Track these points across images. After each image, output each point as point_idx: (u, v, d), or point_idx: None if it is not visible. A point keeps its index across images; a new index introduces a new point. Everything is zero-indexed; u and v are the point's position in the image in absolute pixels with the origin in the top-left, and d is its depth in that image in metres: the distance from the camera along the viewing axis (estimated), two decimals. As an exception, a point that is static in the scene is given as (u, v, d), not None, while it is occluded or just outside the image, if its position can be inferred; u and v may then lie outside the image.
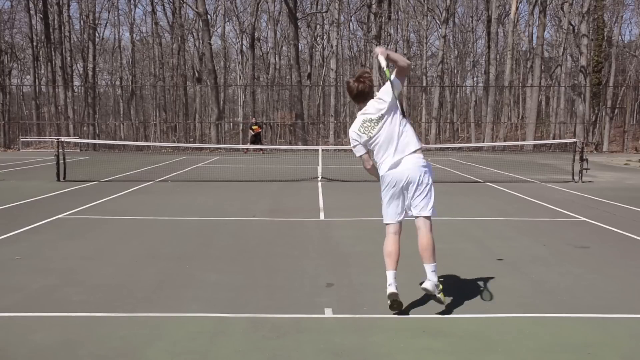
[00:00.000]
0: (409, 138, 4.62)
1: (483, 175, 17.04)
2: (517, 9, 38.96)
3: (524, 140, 37.60)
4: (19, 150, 33.50)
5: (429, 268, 4.67)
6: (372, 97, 4.65)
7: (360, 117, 4.68)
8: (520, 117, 48.13)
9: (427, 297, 5.21)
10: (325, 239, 7.82)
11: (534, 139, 35.59)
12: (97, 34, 47.49)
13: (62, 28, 41.60)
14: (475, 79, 55.42)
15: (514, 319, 4.63)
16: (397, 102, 4.55)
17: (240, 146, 31.33)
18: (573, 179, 15.17)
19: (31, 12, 42.66)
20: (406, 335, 4.26)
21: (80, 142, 31.73)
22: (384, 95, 4.57)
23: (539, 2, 36.89)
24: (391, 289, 4.57)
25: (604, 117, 36.87)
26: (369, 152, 4.74)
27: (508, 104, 43.80)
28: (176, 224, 8.91)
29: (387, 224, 4.96)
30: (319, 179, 15.45)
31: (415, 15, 46.69)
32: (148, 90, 48.45)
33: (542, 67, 39.04)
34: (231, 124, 49.24)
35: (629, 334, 4.33)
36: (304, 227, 8.67)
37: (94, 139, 37.23)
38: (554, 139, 37.65)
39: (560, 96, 45.01)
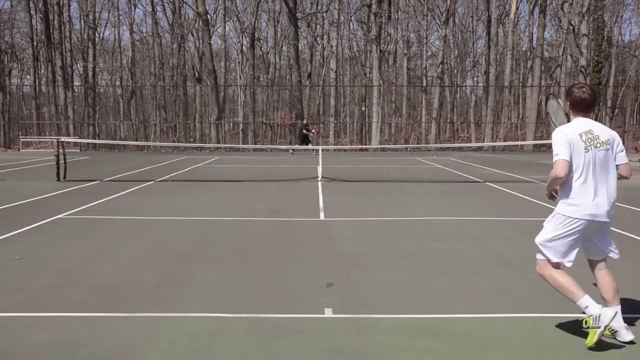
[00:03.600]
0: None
1: (483, 175, 17.04)
2: (517, 9, 38.97)
3: (524, 140, 37.59)
4: (19, 150, 33.50)
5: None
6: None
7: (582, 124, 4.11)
8: (520, 117, 48.12)
9: (427, 297, 5.22)
10: (325, 239, 7.82)
11: (534, 139, 35.57)
12: (97, 34, 47.51)
13: (62, 28, 41.60)
14: (475, 79, 55.44)
15: (514, 319, 4.63)
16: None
17: (241, 146, 31.30)
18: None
19: (31, 12, 42.66)
20: (406, 335, 4.26)
21: (80, 142, 31.74)
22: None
23: (539, 2, 36.88)
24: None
25: (604, 117, 36.88)
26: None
27: (508, 104, 43.81)
28: (176, 224, 8.91)
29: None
30: (319, 179, 15.45)
31: (415, 15, 46.66)
32: (148, 90, 48.45)
33: (542, 67, 39.04)
34: (231, 124, 49.23)
35: (629, 334, 4.32)
36: (304, 227, 8.67)
37: (94, 139, 37.23)
38: (554, 139, 37.58)
39: (560, 96, 44.96)
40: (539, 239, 4.34)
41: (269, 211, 10.16)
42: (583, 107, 4.12)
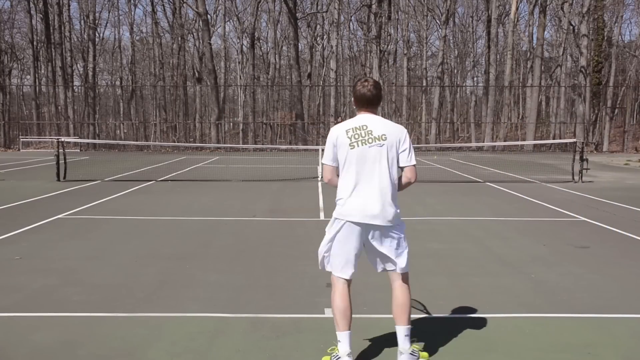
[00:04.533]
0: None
1: (483, 175, 17.03)
2: (517, 9, 38.97)
3: (524, 140, 37.60)
4: (19, 150, 33.50)
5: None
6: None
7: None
8: (520, 117, 48.12)
9: (427, 297, 5.21)
10: (325, 239, 7.81)
11: (534, 139, 35.59)
12: (97, 34, 47.50)
13: (62, 28, 41.59)
14: (475, 79, 55.44)
15: (514, 319, 4.63)
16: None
17: (241, 146, 31.21)
18: (573, 179, 15.17)
19: (31, 12, 42.66)
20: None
21: (80, 142, 31.74)
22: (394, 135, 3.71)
23: (539, 2, 36.88)
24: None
25: (604, 117, 36.87)
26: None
27: (508, 104, 43.80)
28: (176, 224, 8.91)
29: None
30: (319, 179, 15.45)
31: (415, 15, 46.67)
32: (148, 90, 48.44)
33: (542, 67, 39.03)
34: (231, 124, 49.23)
35: (629, 333, 4.33)
36: (304, 227, 8.67)
37: (94, 139, 37.23)
38: (554, 139, 37.65)
39: (560, 96, 45.00)
40: (319, 249, 3.83)
41: (269, 211, 10.16)
42: (364, 102, 3.74)
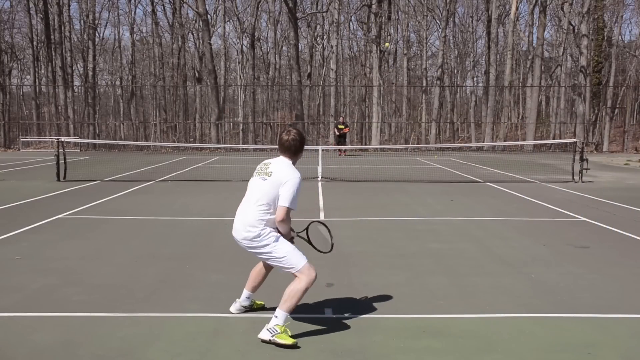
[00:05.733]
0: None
1: (483, 175, 17.04)
2: (517, 9, 38.96)
3: (524, 140, 37.60)
4: (19, 150, 33.50)
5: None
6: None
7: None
8: (520, 117, 48.12)
9: (427, 297, 5.22)
10: (325, 239, 7.81)
11: (534, 139, 35.58)
12: (97, 34, 47.50)
13: (62, 28, 41.58)
14: (475, 79, 55.43)
15: (514, 319, 4.63)
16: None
17: (241, 146, 31.16)
18: (573, 179, 15.17)
19: (31, 12, 42.66)
20: (406, 335, 4.26)
21: (80, 142, 31.74)
22: (279, 175, 4.28)
23: (539, 2, 36.88)
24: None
25: (604, 117, 36.87)
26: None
27: (508, 104, 43.81)
28: (176, 224, 8.90)
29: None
30: (319, 179, 15.45)
31: (415, 15, 46.66)
32: (148, 90, 48.43)
33: (542, 67, 39.03)
34: (231, 124, 49.21)
35: (629, 333, 4.33)
36: (304, 227, 8.65)
37: (94, 139, 37.23)
38: (554, 139, 37.65)
39: (560, 96, 45.01)
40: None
41: (269, 211, 10.15)
42: (279, 148, 4.40)
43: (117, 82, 51.27)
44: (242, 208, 4.42)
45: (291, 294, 4.16)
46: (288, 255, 4.23)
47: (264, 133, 42.72)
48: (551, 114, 47.55)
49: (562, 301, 5.10)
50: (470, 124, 46.89)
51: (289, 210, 4.23)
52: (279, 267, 4.31)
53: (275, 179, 4.23)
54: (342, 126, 27.19)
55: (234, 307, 4.72)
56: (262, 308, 4.78)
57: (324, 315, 4.72)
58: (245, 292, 4.72)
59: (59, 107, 39.99)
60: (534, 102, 36.99)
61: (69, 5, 42.88)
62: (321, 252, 4.65)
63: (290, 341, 4.02)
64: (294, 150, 4.37)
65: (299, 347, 4.01)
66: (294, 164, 4.41)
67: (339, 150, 25.47)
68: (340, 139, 26.96)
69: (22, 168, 19.62)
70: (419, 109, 49.17)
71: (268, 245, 4.24)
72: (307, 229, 4.72)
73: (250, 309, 4.74)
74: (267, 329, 4.08)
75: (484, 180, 15.58)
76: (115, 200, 11.38)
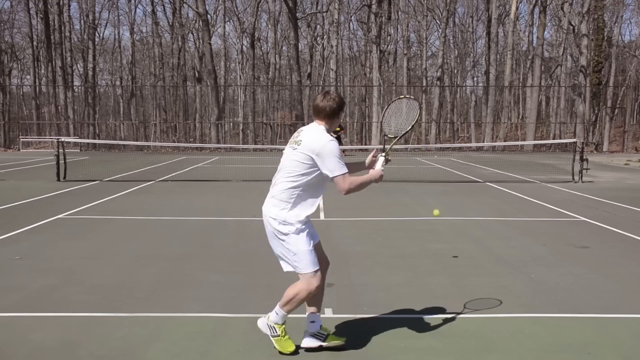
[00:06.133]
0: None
1: (483, 175, 17.03)
2: (517, 9, 38.97)
3: (524, 140, 37.60)
4: (19, 150, 33.51)
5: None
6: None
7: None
8: (520, 117, 48.13)
9: (427, 297, 5.21)
10: (325, 239, 7.76)
11: (534, 139, 35.59)
12: (97, 34, 47.51)
13: (62, 28, 41.59)
14: (475, 79, 55.46)
15: (514, 319, 4.63)
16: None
17: (241, 146, 31.12)
18: (573, 179, 15.17)
19: (31, 12, 42.66)
20: (406, 335, 4.26)
21: (80, 142, 31.74)
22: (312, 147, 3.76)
23: (539, 2, 36.88)
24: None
25: (604, 117, 36.87)
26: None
27: (508, 104, 43.81)
28: (176, 224, 8.90)
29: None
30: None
31: (415, 15, 46.66)
32: (148, 90, 48.45)
33: (542, 67, 39.03)
34: (231, 124, 49.22)
35: (629, 333, 4.33)
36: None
37: (94, 139, 37.23)
38: (554, 139, 37.65)
39: (560, 96, 45.01)
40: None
41: (269, 211, 10.14)
42: (313, 111, 3.93)
43: (117, 82, 51.27)
44: (273, 180, 3.93)
45: (290, 297, 3.93)
46: (299, 254, 3.81)
47: (264, 133, 42.72)
48: (551, 114, 47.55)
49: (562, 301, 5.10)
50: (470, 124, 46.90)
51: (343, 176, 3.74)
52: (284, 262, 3.92)
53: (304, 148, 3.73)
54: (337, 128, 27.01)
55: (304, 341, 4.03)
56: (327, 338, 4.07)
57: (324, 315, 4.71)
58: (310, 316, 4.03)
59: (59, 107, 39.99)
60: (534, 102, 36.99)
61: (69, 5, 42.89)
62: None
63: (288, 350, 3.89)
64: (328, 113, 3.83)
65: (297, 353, 3.94)
66: (328, 130, 3.86)
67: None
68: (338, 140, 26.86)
69: (22, 168, 19.62)
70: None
71: (288, 234, 3.78)
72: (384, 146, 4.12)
73: (324, 339, 4.01)
74: (268, 325, 3.94)
75: (484, 180, 15.58)
76: (115, 200, 11.38)
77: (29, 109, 45.71)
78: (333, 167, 3.71)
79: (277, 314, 3.97)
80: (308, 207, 3.83)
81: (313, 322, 4.01)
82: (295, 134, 3.92)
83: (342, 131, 27.94)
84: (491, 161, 23.58)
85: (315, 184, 3.82)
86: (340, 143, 26.59)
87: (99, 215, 9.65)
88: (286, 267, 3.96)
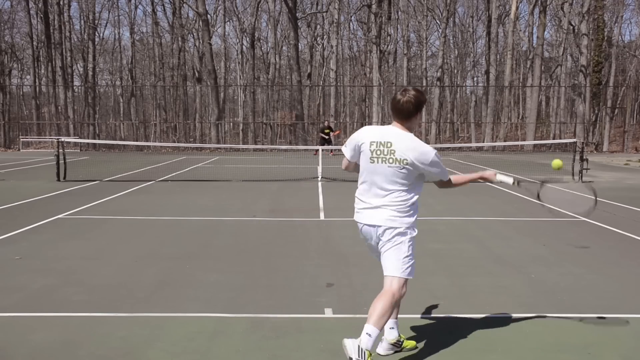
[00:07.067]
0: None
1: (483, 175, 17.01)
2: (517, 9, 38.96)
3: (524, 140, 37.60)
4: (19, 150, 33.50)
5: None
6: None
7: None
8: (520, 117, 48.13)
9: (427, 297, 5.21)
10: (325, 239, 7.82)
11: (534, 139, 35.59)
12: (97, 34, 47.50)
13: (63, 28, 41.59)
14: (475, 79, 55.45)
15: (514, 319, 4.63)
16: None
17: (241, 146, 31.11)
18: (573, 178, 15.17)
19: (31, 12, 42.65)
20: (406, 335, 4.26)
21: (80, 142, 31.74)
22: (418, 157, 3.62)
23: (539, 2, 36.88)
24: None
25: (604, 117, 36.86)
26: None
27: (508, 104, 43.79)
28: (176, 224, 8.90)
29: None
30: (319, 179, 15.45)
31: (415, 15, 46.67)
32: (148, 90, 48.44)
33: (542, 67, 39.03)
34: (231, 124, 49.22)
35: (629, 333, 4.33)
36: (304, 227, 8.67)
37: (94, 139, 37.23)
38: (554, 139, 37.65)
39: (560, 96, 45.01)
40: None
41: (269, 211, 10.16)
42: (394, 111, 3.70)
43: (117, 82, 51.27)
44: (371, 197, 3.74)
45: (386, 308, 3.68)
46: (411, 256, 3.74)
47: (264, 133, 42.71)
48: (551, 114, 47.55)
49: (562, 301, 5.10)
50: (470, 124, 46.89)
51: (449, 181, 3.84)
52: (391, 262, 3.74)
53: (408, 164, 3.59)
54: (328, 130, 27.01)
55: (382, 349, 3.92)
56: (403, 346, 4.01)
57: (324, 315, 4.72)
58: (389, 322, 3.88)
59: (59, 107, 39.99)
60: (534, 102, 36.98)
61: (69, 5, 42.90)
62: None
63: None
64: (406, 114, 3.63)
65: None
66: (412, 130, 3.70)
67: (315, 150, 25.01)
68: (325, 142, 26.24)
69: (22, 168, 19.61)
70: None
71: (406, 235, 3.70)
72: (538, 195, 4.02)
73: (400, 347, 3.97)
74: (360, 348, 3.44)
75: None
76: (115, 200, 11.38)
77: (29, 109, 45.70)
78: (443, 171, 3.81)
79: (370, 335, 3.51)
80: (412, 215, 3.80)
81: (393, 328, 3.95)
82: (381, 147, 3.68)
83: (334, 133, 27.92)
84: (491, 161, 23.58)
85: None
86: (330, 143, 26.57)
87: (99, 215, 9.65)
88: (389, 270, 3.81)
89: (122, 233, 8.18)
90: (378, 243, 3.80)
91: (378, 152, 3.65)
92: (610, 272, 6.09)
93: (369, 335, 3.49)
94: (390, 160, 3.61)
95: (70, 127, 38.94)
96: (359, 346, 3.44)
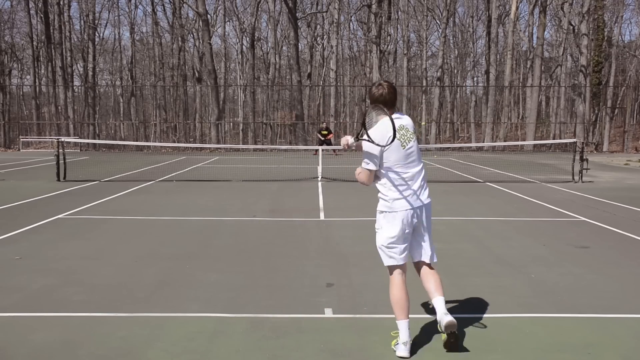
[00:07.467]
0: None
1: (483, 175, 17.03)
2: (517, 9, 38.95)
3: (524, 140, 37.59)
4: (19, 150, 33.50)
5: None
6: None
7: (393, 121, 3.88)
8: (520, 117, 48.13)
9: (427, 297, 5.21)
10: (325, 239, 7.82)
11: (534, 139, 35.59)
12: (97, 34, 47.49)
13: (63, 28, 41.59)
14: (475, 79, 55.46)
15: (514, 319, 4.63)
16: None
17: (241, 146, 31.10)
18: (573, 179, 15.17)
19: (31, 12, 42.66)
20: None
21: (80, 142, 31.74)
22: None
23: (539, 2, 36.88)
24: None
25: (604, 117, 36.86)
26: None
27: (508, 104, 43.79)
28: (176, 224, 8.91)
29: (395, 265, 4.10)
30: (319, 179, 15.45)
31: (415, 15, 46.67)
32: (148, 90, 48.45)
33: (542, 67, 39.03)
34: (231, 124, 49.22)
35: (629, 333, 4.33)
36: (304, 227, 8.67)
37: (94, 139, 37.23)
38: (554, 139, 37.65)
39: (560, 96, 45.01)
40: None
41: (269, 211, 10.16)
42: (382, 103, 4.03)
43: (117, 82, 51.27)
44: (415, 175, 4.05)
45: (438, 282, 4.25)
46: None
47: (264, 133, 42.72)
48: (551, 114, 47.55)
49: (562, 301, 5.10)
50: (470, 124, 46.89)
51: None
52: (431, 246, 4.31)
53: (415, 133, 4.13)
54: (325, 132, 26.92)
55: (404, 351, 3.94)
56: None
57: (324, 315, 4.72)
58: (404, 323, 4.01)
59: (59, 107, 39.99)
60: (534, 102, 36.98)
61: (69, 5, 42.90)
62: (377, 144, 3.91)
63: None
64: (394, 101, 4.07)
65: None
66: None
67: (315, 150, 25.00)
68: (324, 144, 25.82)
69: (22, 168, 19.61)
70: (418, 109, 49.17)
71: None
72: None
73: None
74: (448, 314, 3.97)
75: (484, 180, 15.58)
76: (115, 200, 11.38)
77: (29, 109, 45.71)
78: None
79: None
80: None
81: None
82: (404, 132, 4.01)
83: (331, 135, 27.76)
84: (491, 161, 23.58)
85: None
86: (330, 144, 26.54)
87: (99, 215, 9.65)
88: (435, 258, 4.35)
89: (122, 233, 8.18)
90: (416, 224, 4.15)
91: (404, 137, 3.99)
92: (610, 272, 6.09)
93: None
94: (412, 137, 4.05)
95: (70, 127, 38.94)
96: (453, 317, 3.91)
